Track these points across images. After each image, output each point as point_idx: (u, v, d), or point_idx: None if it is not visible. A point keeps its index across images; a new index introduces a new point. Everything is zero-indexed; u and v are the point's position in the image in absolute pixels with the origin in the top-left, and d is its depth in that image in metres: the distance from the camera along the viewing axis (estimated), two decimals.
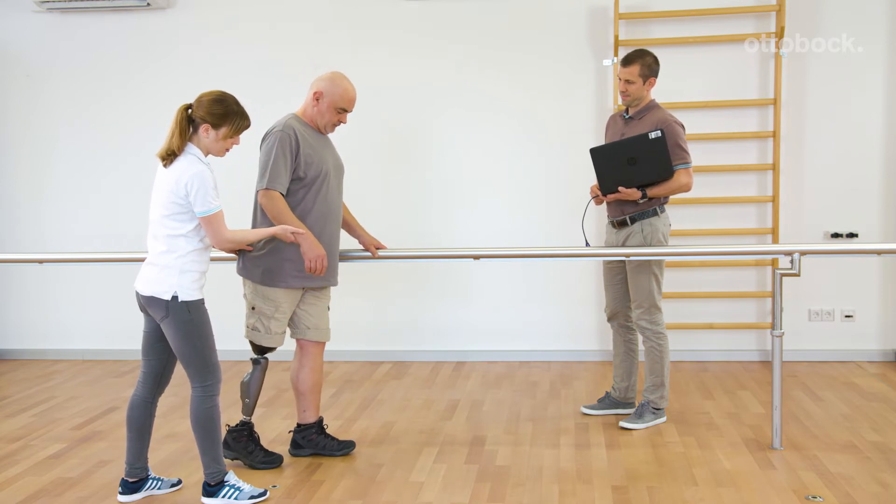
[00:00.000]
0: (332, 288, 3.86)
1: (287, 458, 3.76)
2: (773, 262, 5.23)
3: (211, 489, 3.25)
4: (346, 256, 3.93)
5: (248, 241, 3.40)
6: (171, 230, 3.14)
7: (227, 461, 3.44)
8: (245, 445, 3.66)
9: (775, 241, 5.35)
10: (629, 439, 3.93)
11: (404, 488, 3.39)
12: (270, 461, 3.65)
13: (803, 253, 3.73)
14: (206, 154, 3.21)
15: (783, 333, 3.77)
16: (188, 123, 3.17)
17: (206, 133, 3.16)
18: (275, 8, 5.70)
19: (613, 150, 3.98)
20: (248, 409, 3.69)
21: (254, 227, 3.65)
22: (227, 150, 3.25)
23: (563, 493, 3.30)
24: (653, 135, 3.86)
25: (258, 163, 3.58)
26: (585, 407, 4.39)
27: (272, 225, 3.49)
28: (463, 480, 3.46)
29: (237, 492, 3.24)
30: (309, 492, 3.37)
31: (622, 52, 5.32)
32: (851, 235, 5.37)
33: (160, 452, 3.83)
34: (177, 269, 3.14)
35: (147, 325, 3.29)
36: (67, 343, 6.02)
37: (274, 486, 3.42)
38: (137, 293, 3.21)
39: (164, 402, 3.47)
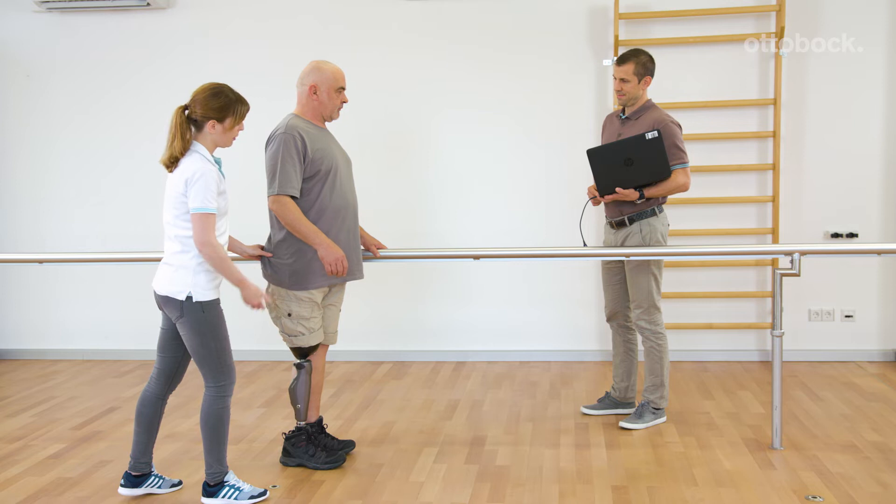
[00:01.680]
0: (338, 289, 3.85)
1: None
2: (773, 262, 5.24)
3: (211, 489, 3.25)
4: None
5: (225, 271, 3.15)
6: (182, 230, 3.14)
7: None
8: (305, 450, 3.64)
9: (775, 241, 5.35)
10: (629, 439, 3.93)
11: (404, 488, 3.39)
12: (333, 461, 3.63)
13: (803, 253, 3.73)
14: (215, 148, 3.21)
15: (783, 333, 3.77)
16: (188, 124, 3.17)
17: (212, 129, 3.16)
18: (274, 8, 5.70)
19: (610, 151, 3.98)
20: (301, 414, 3.67)
21: (272, 231, 3.61)
22: (235, 138, 3.24)
23: (563, 493, 3.30)
24: (649, 135, 3.85)
25: (265, 168, 3.55)
26: (585, 407, 4.39)
27: (284, 228, 3.50)
28: (463, 480, 3.46)
29: (237, 492, 3.24)
30: (309, 492, 3.37)
31: (622, 53, 5.33)
32: (851, 235, 5.37)
33: (161, 452, 3.83)
34: (191, 269, 3.13)
35: (164, 322, 3.29)
36: (67, 343, 6.02)
37: (274, 486, 3.42)
38: (154, 292, 3.22)
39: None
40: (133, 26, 5.80)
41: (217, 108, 3.14)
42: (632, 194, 3.93)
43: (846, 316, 5.47)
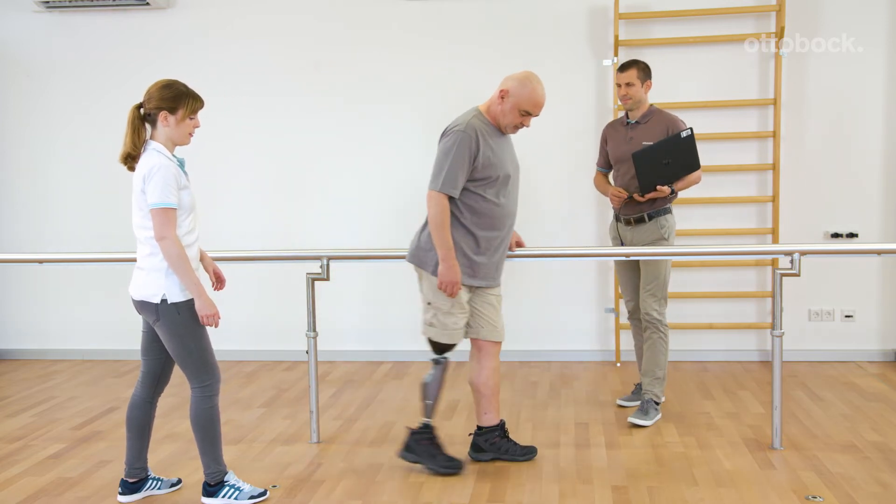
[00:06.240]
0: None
1: (286, 458, 3.76)
2: (773, 262, 5.23)
3: (211, 489, 3.25)
4: (346, 257, 3.94)
5: (181, 271, 3.06)
6: (149, 231, 3.09)
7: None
8: (427, 449, 3.56)
9: (775, 241, 5.35)
10: (629, 439, 3.93)
11: (404, 488, 3.39)
12: (452, 466, 3.55)
13: (803, 253, 3.73)
14: (173, 146, 3.16)
15: (783, 333, 3.77)
16: (142, 122, 3.13)
17: (164, 121, 3.11)
18: (275, 8, 5.70)
19: (654, 152, 4.09)
20: (430, 410, 3.61)
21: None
22: (191, 134, 3.18)
23: (563, 493, 3.30)
24: (684, 133, 4.03)
25: (434, 159, 3.47)
26: (621, 399, 4.47)
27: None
28: (463, 480, 3.46)
29: (237, 492, 3.23)
30: (309, 492, 3.37)
31: (622, 52, 5.34)
32: (851, 235, 5.37)
33: (160, 452, 3.83)
34: (163, 271, 3.09)
35: (144, 325, 3.28)
36: (67, 343, 6.01)
37: (274, 486, 3.42)
38: (131, 297, 3.20)
39: (163, 402, 3.46)
40: (133, 26, 5.80)
41: (169, 97, 3.09)
42: (666, 190, 4.07)
43: (846, 316, 5.47)
